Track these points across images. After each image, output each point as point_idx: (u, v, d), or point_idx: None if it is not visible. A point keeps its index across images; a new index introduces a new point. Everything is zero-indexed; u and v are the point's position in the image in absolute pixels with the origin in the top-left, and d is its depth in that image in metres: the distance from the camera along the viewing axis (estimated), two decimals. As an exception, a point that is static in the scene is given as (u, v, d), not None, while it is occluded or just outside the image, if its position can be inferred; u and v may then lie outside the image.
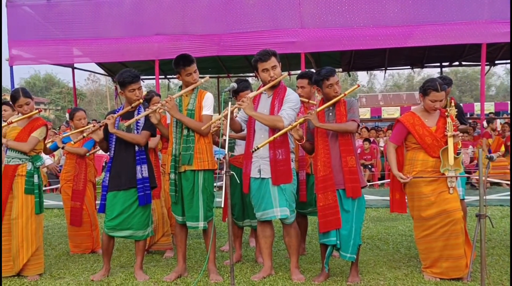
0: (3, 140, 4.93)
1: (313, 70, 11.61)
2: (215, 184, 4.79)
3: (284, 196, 4.47)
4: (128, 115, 4.84)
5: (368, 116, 27.03)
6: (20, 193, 4.91)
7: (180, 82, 4.92)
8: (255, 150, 4.36)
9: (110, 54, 9.89)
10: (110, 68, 13.40)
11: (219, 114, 4.85)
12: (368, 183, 12.03)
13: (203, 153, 4.66)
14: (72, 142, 5.13)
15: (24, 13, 9.96)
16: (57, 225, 7.99)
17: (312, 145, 4.62)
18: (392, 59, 13.00)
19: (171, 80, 15.74)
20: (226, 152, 4.08)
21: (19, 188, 4.91)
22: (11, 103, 5.26)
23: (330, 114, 4.52)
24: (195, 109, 4.70)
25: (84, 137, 4.97)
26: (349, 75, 15.15)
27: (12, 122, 4.99)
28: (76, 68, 12.47)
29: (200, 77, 4.81)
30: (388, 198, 4.99)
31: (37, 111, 5.11)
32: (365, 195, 4.54)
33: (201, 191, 4.65)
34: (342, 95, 4.46)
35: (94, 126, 4.81)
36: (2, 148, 4.98)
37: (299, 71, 14.03)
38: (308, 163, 5.23)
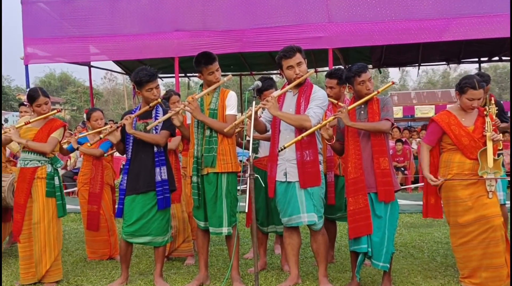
0: (22, 141, 5.01)
1: (341, 67, 11.57)
2: (238, 188, 4.81)
3: (312, 201, 4.47)
4: (145, 115, 4.89)
5: (400, 115, 26.78)
6: (40, 196, 4.99)
7: (201, 81, 4.96)
8: (281, 149, 4.37)
9: (127, 52, 10.00)
10: (127, 66, 13.54)
11: (242, 114, 4.87)
12: (401, 187, 11.94)
13: (227, 154, 4.70)
14: (88, 143, 5.20)
15: (39, 10, 10.14)
16: (74, 230, 8.11)
17: (343, 145, 4.61)
18: (426, 54, 12.87)
19: (191, 78, 15.84)
20: (250, 153, 4.10)
21: (38, 191, 4.99)
22: (26, 103, 5.35)
23: (362, 112, 4.52)
24: (217, 109, 4.74)
25: (100, 138, 5.05)
26: (380, 72, 15.05)
27: (29, 122, 5.07)
28: (92, 66, 12.66)
29: (222, 76, 4.84)
30: (422, 202, 4.94)
31: (55, 111, 5.20)
32: (398, 199, 4.51)
33: (224, 194, 4.68)
34: (375, 92, 4.45)
35: (111, 127, 4.87)
36: (5, 150, 5.03)
37: (326, 69, 14.04)
38: (337, 164, 5.22)
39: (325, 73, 5.69)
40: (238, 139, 5.33)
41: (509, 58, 13.57)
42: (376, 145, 4.40)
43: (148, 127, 4.77)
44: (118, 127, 4.84)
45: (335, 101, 5.27)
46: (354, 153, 4.45)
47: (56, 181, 5.05)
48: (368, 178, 4.40)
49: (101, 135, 4.96)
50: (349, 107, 4.46)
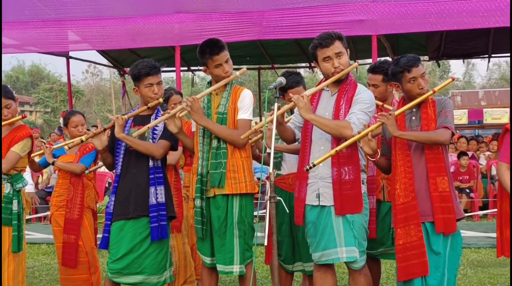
0: None
1: (389, 59, 11.49)
2: (255, 214, 4.81)
3: (352, 232, 4.45)
4: (143, 120, 4.92)
5: (464, 121, 26.61)
6: None
7: (208, 76, 4.97)
8: (311, 167, 4.35)
9: (116, 39, 10.09)
10: (115, 58, 13.65)
11: (260, 119, 4.86)
12: (466, 214, 11.83)
13: (239, 171, 4.70)
14: (67, 147, 5.21)
15: (5, -14, 10.30)
16: (46, 265, 8.15)
17: (389, 161, 4.59)
18: (498, 43, 12.78)
19: (196, 72, 15.92)
20: (271, 170, 4.09)
21: None
22: None
23: (414, 118, 4.49)
24: (227, 112, 4.75)
25: (82, 141, 5.02)
26: (438, 65, 14.99)
27: None
28: (71, 57, 12.77)
29: (234, 70, 4.86)
30: (494, 235, 4.88)
31: (19, 117, 5.21)
32: (461, 231, 4.47)
33: (236, 223, 4.68)
34: (430, 92, 4.43)
35: (96, 130, 4.89)
36: None
37: (369, 61, 14.00)
38: (380, 186, 5.20)
39: (367, 67, 5.66)
40: (255, 151, 5.32)
41: None
42: (432, 160, 4.37)
43: (135, 133, 4.76)
44: (105, 129, 4.87)
45: (380, 103, 5.25)
46: (403, 171, 4.42)
47: (15, 206, 5.06)
48: (422, 203, 4.36)
49: (83, 138, 4.94)
50: (397, 112, 4.43)
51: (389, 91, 5.31)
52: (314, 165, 4.33)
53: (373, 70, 5.37)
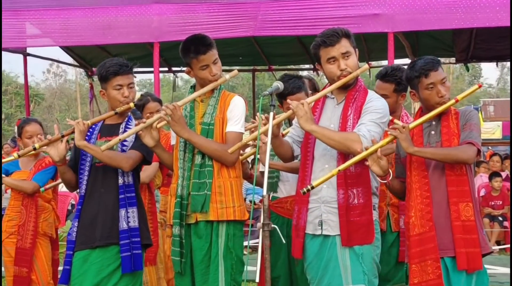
0: None
1: (406, 61, 11.54)
2: (245, 245, 4.80)
3: (361, 266, 4.43)
4: (110, 130, 4.92)
5: (498, 135, 26.63)
6: None
7: (192, 79, 4.98)
8: (308, 190, 4.32)
9: (82, 34, 10.10)
10: (82, 56, 13.66)
11: (254, 130, 4.87)
12: (497, 247, 11.81)
13: (227, 193, 4.71)
14: (16, 156, 5.11)
15: None
16: (-6, 303, 8.11)
17: (404, 184, 4.60)
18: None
19: (178, 74, 15.93)
20: (265, 192, 4.06)
21: None
22: None
23: (433, 132, 4.50)
24: (214, 123, 4.77)
25: (34, 149, 4.92)
26: (467, 69, 15.03)
27: None
28: (29, 54, 12.75)
29: (224, 72, 4.87)
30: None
31: None
32: (492, 266, 4.47)
33: (222, 255, 4.67)
34: (453, 101, 4.43)
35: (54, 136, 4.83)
36: None
37: (384, 63, 14.01)
38: (384, 213, 5.22)
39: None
40: (246, 170, 5.32)
41: None
42: (454, 183, 4.38)
43: (102, 148, 4.68)
44: (63, 136, 4.82)
45: (390, 117, 5.27)
46: (420, 196, 4.42)
47: None
48: (441, 234, 4.36)
49: (36, 145, 4.83)
50: (412, 125, 4.44)
51: (399, 103, 5.33)
52: (312, 187, 4.30)
53: (382, 77, 5.38)
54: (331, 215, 4.47)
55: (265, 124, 4.54)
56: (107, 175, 4.83)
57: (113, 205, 4.81)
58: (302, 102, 4.42)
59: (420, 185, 4.45)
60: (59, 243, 6.51)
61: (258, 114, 4.51)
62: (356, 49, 4.58)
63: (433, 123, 4.51)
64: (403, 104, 5.49)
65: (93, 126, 4.97)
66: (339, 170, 4.30)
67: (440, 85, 4.44)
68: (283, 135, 4.79)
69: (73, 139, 4.84)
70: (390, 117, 4.66)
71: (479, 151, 4.42)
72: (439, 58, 4.56)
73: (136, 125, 4.79)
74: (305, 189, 4.32)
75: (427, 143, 4.50)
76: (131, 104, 4.86)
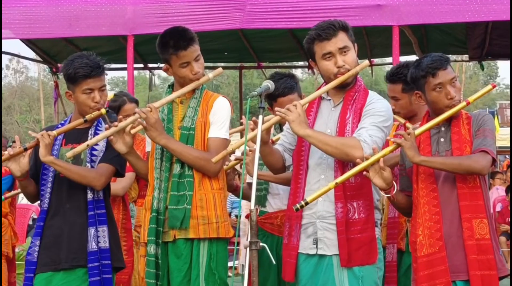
0: None
1: (413, 58, 11.49)
2: (230, 265, 4.81)
3: (362, 290, 4.46)
4: (77, 135, 4.90)
5: (517, 142, 26.77)
6: None
7: (171, 77, 4.99)
8: (302, 206, 4.29)
9: (47, 25, 10.07)
10: (46, 50, 13.60)
11: (241, 136, 4.88)
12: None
13: (209, 208, 4.72)
14: None
15: None
16: None
17: (410, 198, 4.60)
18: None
19: (155, 71, 15.91)
20: (252, 206, 4.06)
21: None
22: None
23: (442, 139, 4.51)
24: (195, 128, 4.78)
25: None
26: (482, 68, 15.05)
27: None
28: (-14, 48, 12.74)
29: (207, 69, 4.88)
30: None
31: None
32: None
33: (203, 278, 4.68)
34: (464, 104, 4.43)
35: (13, 148, 4.82)
36: None
37: (388, 60, 14.05)
38: (403, 231, 5.23)
39: (387, 68, 5.68)
40: (231, 181, 5.33)
41: None
42: (467, 197, 4.38)
43: (68, 154, 4.67)
44: (26, 149, 4.77)
45: (402, 121, 5.29)
46: (428, 211, 4.42)
47: None
48: (453, 255, 4.36)
49: None
50: (418, 131, 4.43)
51: (415, 104, 5.28)
52: (307, 203, 4.26)
53: (389, 78, 5.42)
54: (328, 232, 4.45)
55: (253, 129, 4.55)
56: (73, 188, 4.82)
57: (81, 223, 4.80)
58: (294, 103, 4.38)
59: (428, 199, 4.44)
60: (16, 263, 6.48)
61: (244, 117, 4.51)
62: (355, 44, 4.57)
63: (442, 129, 4.51)
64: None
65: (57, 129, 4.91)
66: (336, 183, 4.26)
67: (449, 86, 4.43)
68: (273, 142, 4.77)
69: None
70: (393, 120, 4.68)
71: (494, 160, 4.39)
72: (448, 55, 4.58)
73: (106, 129, 4.73)
74: (298, 206, 4.28)
75: (435, 151, 4.49)
76: (103, 110, 4.82)
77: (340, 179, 4.28)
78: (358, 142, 4.32)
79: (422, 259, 4.41)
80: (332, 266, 4.45)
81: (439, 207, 4.42)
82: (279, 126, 4.96)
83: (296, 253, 4.55)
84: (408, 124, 5.24)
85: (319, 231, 4.48)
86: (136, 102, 6.27)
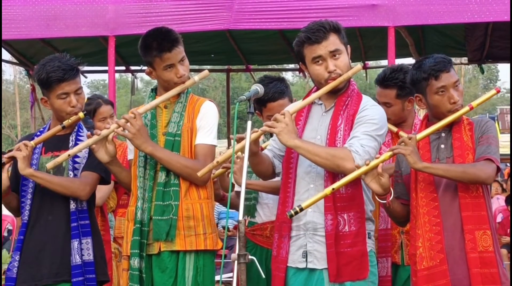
0: None
1: (409, 61, 11.50)
2: (217, 279, 4.80)
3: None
4: (57, 142, 4.90)
5: (519, 150, 26.85)
6: None
7: (154, 80, 4.98)
8: (296, 212, 4.29)
9: (23, 25, 10.04)
10: (22, 51, 13.58)
11: (229, 143, 4.86)
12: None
13: (196, 219, 4.73)
14: None
15: None
16: None
17: (406, 207, 4.61)
18: None
19: (138, 74, 15.91)
20: (241, 216, 4.05)
21: None
22: None
23: (443, 146, 4.52)
24: (181, 134, 4.78)
25: None
26: (482, 71, 15.09)
27: None
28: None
29: (192, 72, 4.86)
30: None
31: None
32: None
33: (189, 292, 4.67)
34: (466, 108, 4.46)
35: None
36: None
37: (384, 63, 14.05)
38: (397, 243, 5.23)
39: (380, 71, 5.67)
40: (218, 190, 5.32)
41: None
42: (469, 207, 4.39)
43: (49, 165, 4.67)
44: (4, 164, 4.77)
45: (395, 129, 5.29)
46: (428, 222, 4.43)
47: None
48: (454, 268, 4.37)
49: None
50: (419, 135, 4.44)
51: (407, 110, 5.32)
52: (302, 209, 4.27)
53: (382, 82, 5.40)
54: (318, 245, 4.47)
55: (240, 139, 4.53)
56: (55, 199, 4.81)
57: (64, 235, 4.80)
58: (282, 112, 4.39)
59: (428, 209, 4.44)
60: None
61: (232, 136, 4.48)
62: (348, 46, 4.58)
63: (443, 134, 4.53)
64: (414, 110, 5.50)
65: (35, 138, 4.90)
66: (333, 189, 4.28)
67: (452, 89, 4.45)
68: (263, 149, 4.76)
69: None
70: (387, 129, 4.67)
71: (498, 169, 4.41)
72: (449, 57, 4.56)
73: (88, 137, 4.73)
74: (292, 212, 4.28)
75: (435, 158, 4.51)
76: (81, 114, 4.83)
77: (337, 184, 4.29)
78: (349, 153, 4.33)
79: (422, 272, 4.41)
80: (323, 280, 4.46)
81: (440, 218, 4.43)
82: (270, 134, 4.94)
83: (285, 266, 4.57)
84: (401, 133, 5.23)
85: (309, 244, 4.50)
86: (111, 104, 6.27)
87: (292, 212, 4.28)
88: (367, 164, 4.27)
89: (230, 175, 4.59)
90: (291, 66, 15.68)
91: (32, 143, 4.76)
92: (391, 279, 5.18)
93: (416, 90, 4.57)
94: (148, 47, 4.75)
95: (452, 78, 4.46)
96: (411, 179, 4.53)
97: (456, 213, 4.41)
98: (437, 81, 4.44)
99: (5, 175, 4.77)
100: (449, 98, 4.45)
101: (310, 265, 4.49)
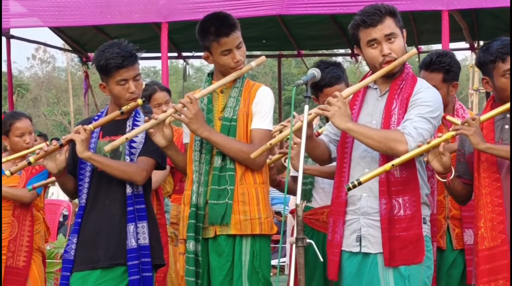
0: None
1: (462, 45, 11.44)
2: (273, 264, 4.81)
3: (408, 291, 4.45)
4: (115, 127, 4.92)
5: None
6: None
7: (210, 65, 5.01)
8: (354, 186, 4.24)
9: (77, 13, 10.11)
10: (76, 39, 13.65)
11: (283, 129, 4.88)
12: None
13: (252, 203, 4.73)
14: (7, 172, 5.10)
15: None
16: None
17: (467, 187, 4.60)
18: None
19: (190, 61, 15.95)
20: (298, 200, 4.00)
21: None
22: None
23: (507, 126, 4.46)
24: (237, 119, 4.79)
25: (29, 164, 4.97)
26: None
27: None
28: (13, 37, 12.79)
29: (248, 58, 4.88)
30: None
31: None
32: None
33: (246, 276, 4.69)
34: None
35: (48, 146, 4.77)
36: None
37: (437, 47, 13.95)
38: (443, 228, 5.24)
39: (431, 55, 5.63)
40: (274, 175, 5.35)
41: None
42: (535, 187, 4.34)
43: (106, 148, 4.67)
44: (62, 146, 4.76)
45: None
46: (490, 202, 4.39)
47: None
48: (518, 250, 4.33)
49: (31, 159, 4.78)
50: (484, 117, 4.39)
51: (451, 95, 5.32)
52: (360, 183, 4.22)
53: (428, 66, 5.36)
54: (372, 230, 4.44)
55: (297, 122, 4.54)
56: (112, 183, 4.84)
57: (120, 219, 4.83)
58: (335, 94, 4.35)
59: (491, 190, 4.40)
60: (47, 260, 6.49)
61: (292, 114, 4.46)
62: (404, 30, 4.53)
63: (507, 116, 4.46)
64: (456, 95, 5.48)
65: (93, 122, 4.92)
66: (393, 165, 4.22)
67: None
68: (318, 134, 4.77)
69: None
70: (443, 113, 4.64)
71: None
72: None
73: (145, 121, 4.73)
74: (350, 185, 4.25)
75: (499, 139, 4.46)
76: (139, 101, 4.86)
77: (398, 161, 4.23)
78: (402, 135, 4.27)
79: (484, 252, 4.38)
80: (376, 265, 4.44)
81: (501, 199, 4.37)
82: (326, 119, 4.92)
83: (340, 250, 4.55)
84: (449, 117, 5.21)
85: (363, 228, 4.47)
86: (167, 90, 6.27)
87: (350, 185, 4.26)
88: (428, 143, 4.25)
89: (287, 161, 4.60)
90: (342, 51, 15.62)
91: (90, 126, 4.78)
92: (436, 262, 5.16)
93: (482, 72, 4.53)
94: (205, 31, 4.74)
95: None
96: (474, 159, 4.49)
97: (522, 194, 4.38)
98: (504, 64, 4.39)
99: (62, 157, 4.74)
100: None
101: (364, 249, 4.47)
